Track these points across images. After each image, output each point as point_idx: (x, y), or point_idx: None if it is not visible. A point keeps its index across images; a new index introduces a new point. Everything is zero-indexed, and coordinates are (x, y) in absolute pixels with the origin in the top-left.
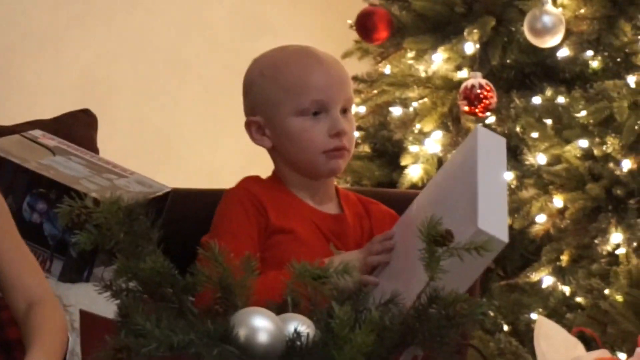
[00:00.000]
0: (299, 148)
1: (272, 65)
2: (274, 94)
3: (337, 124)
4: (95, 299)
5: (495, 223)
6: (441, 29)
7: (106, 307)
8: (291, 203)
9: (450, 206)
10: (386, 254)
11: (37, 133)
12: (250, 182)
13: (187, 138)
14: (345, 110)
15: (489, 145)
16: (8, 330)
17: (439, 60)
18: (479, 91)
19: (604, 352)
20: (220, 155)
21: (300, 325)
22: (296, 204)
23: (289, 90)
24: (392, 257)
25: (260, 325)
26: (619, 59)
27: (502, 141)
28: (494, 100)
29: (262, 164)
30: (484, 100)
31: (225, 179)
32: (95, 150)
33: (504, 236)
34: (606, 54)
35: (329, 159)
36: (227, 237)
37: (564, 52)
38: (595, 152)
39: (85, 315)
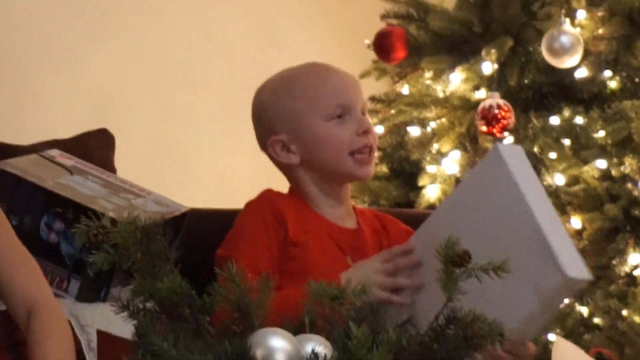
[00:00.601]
0: (328, 151)
1: (284, 83)
2: (294, 107)
3: (364, 123)
4: (113, 319)
5: (575, 262)
6: (459, 49)
7: (123, 327)
8: (310, 217)
9: (505, 247)
10: (412, 273)
11: (54, 152)
12: (272, 194)
13: (202, 155)
14: (363, 114)
15: (517, 165)
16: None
17: (456, 80)
18: (496, 111)
19: None
20: (236, 173)
21: (317, 346)
22: (315, 219)
23: (309, 99)
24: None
25: (278, 345)
26: (637, 79)
27: (521, 151)
28: (512, 120)
29: (277, 182)
30: (501, 121)
31: (241, 197)
32: (112, 169)
33: (587, 273)
34: (624, 74)
35: (358, 165)
36: (245, 249)
37: (581, 72)
38: (613, 172)
39: (102, 335)
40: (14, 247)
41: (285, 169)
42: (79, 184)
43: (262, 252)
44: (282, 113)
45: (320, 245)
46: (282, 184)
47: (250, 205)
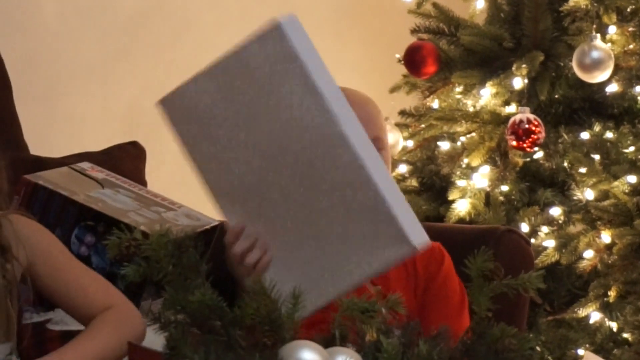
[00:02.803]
0: None
1: None
2: None
3: None
4: None
5: (413, 224)
6: (489, 64)
7: (154, 339)
8: None
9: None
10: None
11: (85, 165)
12: None
13: None
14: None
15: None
16: None
17: (487, 95)
18: (527, 126)
19: None
20: None
21: (348, 359)
22: None
23: None
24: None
25: (309, 358)
26: None
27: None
28: (542, 135)
29: None
30: (532, 135)
31: None
32: (143, 182)
33: (425, 235)
34: None
35: None
36: None
37: (612, 88)
38: None
39: (133, 348)
40: (73, 262)
41: None
42: (110, 197)
43: None
44: None
45: None
46: None
47: None
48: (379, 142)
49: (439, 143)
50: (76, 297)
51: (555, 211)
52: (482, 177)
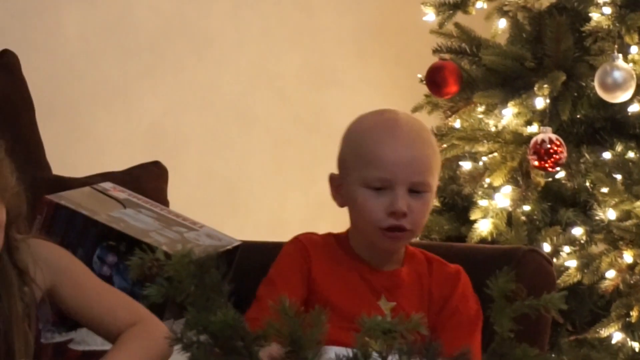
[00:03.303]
0: (358, 217)
1: (356, 130)
2: (349, 159)
3: (396, 204)
4: None
5: None
6: (511, 84)
7: (176, 359)
8: (344, 260)
9: None
10: None
11: (107, 185)
12: (305, 236)
13: (255, 190)
14: (417, 191)
15: None
16: None
17: (508, 115)
18: (549, 146)
19: None
20: (288, 208)
21: None
22: (349, 260)
23: (359, 160)
24: None
25: None
26: None
27: None
28: (564, 155)
29: (329, 217)
30: (553, 155)
31: (293, 231)
32: (165, 202)
33: None
34: None
35: (385, 238)
36: (268, 289)
37: (634, 107)
38: None
39: None
40: (94, 281)
41: None
42: (132, 217)
43: (282, 286)
44: (342, 156)
45: (347, 286)
46: (332, 220)
47: (284, 247)
48: (424, 187)
49: (460, 163)
50: (101, 314)
51: (577, 231)
52: (504, 197)
